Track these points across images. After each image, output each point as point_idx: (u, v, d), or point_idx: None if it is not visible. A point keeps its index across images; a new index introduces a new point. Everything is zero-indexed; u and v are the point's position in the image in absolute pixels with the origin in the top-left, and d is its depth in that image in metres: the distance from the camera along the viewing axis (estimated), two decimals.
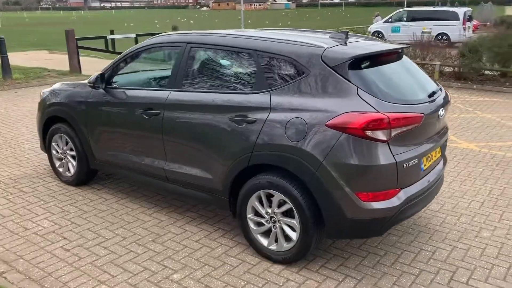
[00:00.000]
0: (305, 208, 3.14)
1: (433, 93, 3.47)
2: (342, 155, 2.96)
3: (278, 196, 3.28)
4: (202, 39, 3.81)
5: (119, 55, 4.36)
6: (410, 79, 3.51)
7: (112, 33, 15.09)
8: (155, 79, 4.33)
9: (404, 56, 3.70)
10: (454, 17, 21.31)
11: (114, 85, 4.33)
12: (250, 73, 3.51)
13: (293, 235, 3.29)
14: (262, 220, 3.44)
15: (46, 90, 5.10)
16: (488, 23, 33.02)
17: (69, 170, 4.91)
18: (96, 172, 4.93)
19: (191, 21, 41.94)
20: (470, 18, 22.07)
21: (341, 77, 3.08)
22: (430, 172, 3.45)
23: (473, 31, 22.35)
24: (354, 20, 35.47)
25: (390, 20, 23.00)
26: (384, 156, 2.96)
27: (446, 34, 21.23)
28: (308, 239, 3.21)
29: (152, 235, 3.86)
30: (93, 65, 13.44)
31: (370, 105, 2.96)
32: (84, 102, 4.48)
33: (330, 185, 3.00)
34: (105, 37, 14.18)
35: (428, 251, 3.63)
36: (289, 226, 3.32)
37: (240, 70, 3.61)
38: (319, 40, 3.39)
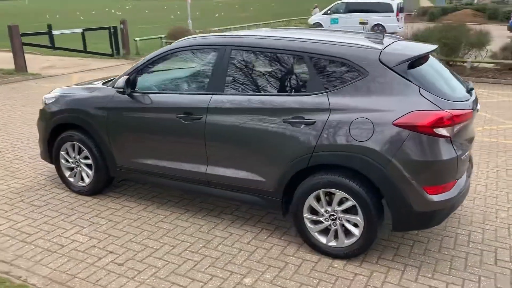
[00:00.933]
0: (370, 205, 3.28)
1: (470, 89, 3.73)
2: (411, 152, 3.13)
3: (340, 195, 3.39)
4: (245, 41, 3.79)
5: (146, 58, 4.19)
6: (447, 77, 3.75)
7: (49, 28, 14.17)
8: (188, 82, 4.21)
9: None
10: (388, 8, 22.48)
11: (141, 89, 4.15)
12: (302, 75, 3.57)
13: (356, 231, 3.42)
14: (321, 218, 3.54)
15: (50, 95, 4.77)
16: (412, 13, 35.22)
17: (82, 179, 4.66)
18: (112, 181, 4.72)
19: (118, 13, 40.03)
20: (401, 9, 23.40)
21: (401, 77, 3.24)
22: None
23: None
24: (286, 12, 36.07)
25: (329, 12, 23.76)
26: (448, 151, 3.17)
27: (382, 25, 22.33)
28: (372, 234, 3.37)
29: (201, 241, 3.81)
30: (36, 63, 12.67)
31: (433, 103, 3.15)
32: (106, 107, 4.26)
33: (399, 181, 3.17)
34: (50, 33, 13.32)
35: (464, 234, 3.94)
36: (350, 222, 3.43)
37: (290, 72, 3.65)
38: (369, 41, 3.51)
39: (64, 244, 3.75)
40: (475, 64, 11.99)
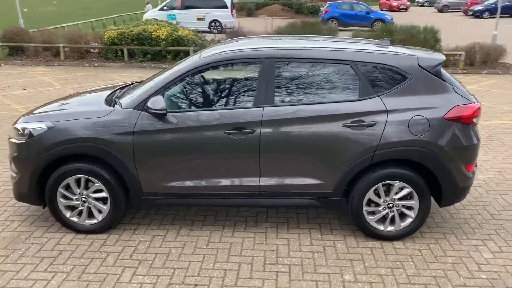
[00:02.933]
0: (424, 189, 3.87)
1: None
2: (459, 139, 3.81)
3: (398, 185, 3.88)
4: (288, 53, 3.91)
5: (173, 73, 3.90)
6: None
7: None
8: (230, 97, 4.04)
9: None
10: (222, 4, 23.50)
11: (172, 108, 3.88)
12: (351, 82, 3.90)
13: (411, 213, 3.97)
14: (379, 208, 3.97)
15: (35, 125, 3.97)
16: None
17: (93, 216, 4.10)
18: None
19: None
20: (234, 5, 24.74)
21: (438, 78, 3.87)
22: None
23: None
24: (118, 8, 34.44)
25: (165, 8, 23.60)
26: (477, 136, 3.95)
27: (218, 21, 23.30)
28: (426, 213, 3.97)
29: (284, 253, 3.82)
30: None
31: (465, 98, 3.87)
32: (130, 132, 3.84)
33: (450, 164, 3.82)
34: None
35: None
36: (406, 207, 3.96)
37: (339, 80, 3.93)
38: (399, 49, 4.05)
39: None
40: None
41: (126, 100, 4.04)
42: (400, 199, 3.94)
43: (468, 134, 3.87)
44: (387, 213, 3.99)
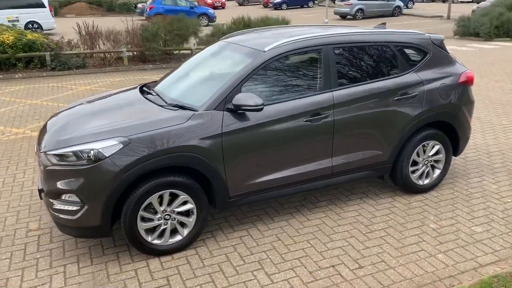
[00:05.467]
0: (449, 144, 4.72)
1: None
2: (468, 98, 4.75)
3: (432, 143, 4.64)
4: (341, 39, 4.21)
5: (243, 69, 3.80)
6: None
7: None
8: (302, 85, 4.04)
9: None
10: (39, 3, 21.03)
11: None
12: (392, 60, 4.45)
13: (439, 166, 4.78)
14: (419, 166, 4.66)
15: (97, 145, 3.36)
16: None
17: (178, 233, 3.74)
18: None
19: None
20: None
21: (446, 52, 4.74)
22: None
23: None
24: None
25: None
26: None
27: (37, 23, 20.87)
28: (449, 164, 4.83)
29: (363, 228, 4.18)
30: None
31: (463, 66, 4.83)
32: (218, 134, 3.63)
33: (464, 120, 4.73)
34: None
35: None
36: (435, 161, 4.76)
37: (383, 59, 4.43)
38: (412, 30, 4.76)
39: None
40: (196, 51, 13.89)
41: (198, 102, 3.76)
42: (433, 155, 4.70)
43: (470, 93, 4.83)
44: (424, 169, 4.70)
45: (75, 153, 3.40)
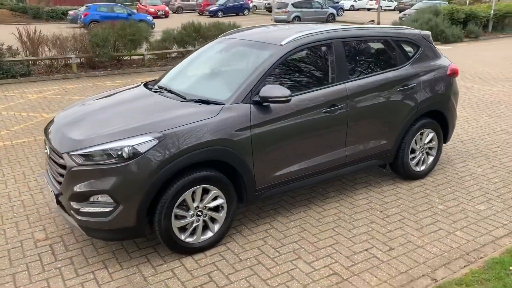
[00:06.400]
0: (440, 131, 5.05)
1: None
2: (455, 88, 5.11)
3: (427, 132, 4.94)
4: (349, 33, 4.37)
5: (264, 63, 3.83)
6: None
7: None
8: (315, 78, 4.11)
9: None
10: None
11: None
12: (391, 54, 4.69)
13: (432, 152, 5.09)
14: (416, 154, 4.94)
15: (131, 142, 3.23)
16: None
17: (209, 230, 3.68)
18: None
19: None
20: None
21: (434, 46, 5.08)
22: None
23: None
24: None
25: None
26: None
27: None
28: (440, 150, 5.16)
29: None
30: None
31: (447, 59, 5.21)
32: (247, 126, 3.63)
33: (453, 108, 5.10)
34: None
35: None
36: (430, 148, 5.07)
37: (385, 53, 4.67)
38: (404, 26, 5.05)
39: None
40: (148, 56, 13.59)
41: (223, 96, 3.73)
42: (427, 143, 5.00)
43: (456, 84, 5.21)
44: (421, 156, 4.99)
45: (105, 152, 3.24)
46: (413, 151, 4.88)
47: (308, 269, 3.42)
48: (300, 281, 3.27)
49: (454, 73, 5.08)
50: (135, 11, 29.42)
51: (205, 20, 16.56)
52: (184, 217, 3.50)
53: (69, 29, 15.37)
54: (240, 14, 37.17)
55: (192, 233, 3.59)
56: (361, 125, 4.35)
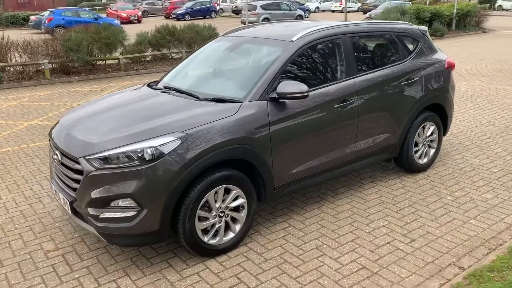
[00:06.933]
0: (440, 123, 5.14)
1: None
2: (452, 81, 5.22)
3: (429, 124, 5.02)
4: (355, 29, 4.39)
5: (278, 59, 3.78)
6: None
7: None
8: (326, 73, 4.07)
9: None
10: None
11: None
12: (395, 48, 4.75)
13: (434, 145, 5.18)
14: (419, 147, 5.01)
15: (153, 142, 3.11)
16: None
17: (230, 230, 3.59)
18: None
19: None
20: None
21: (431, 41, 5.18)
22: None
23: None
24: None
25: None
26: None
27: None
28: (441, 142, 5.26)
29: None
30: None
31: (444, 53, 5.32)
32: (266, 123, 3.57)
33: (451, 101, 5.20)
34: None
35: None
36: (431, 141, 5.15)
37: (389, 47, 4.72)
38: (403, 22, 5.12)
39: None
40: (124, 60, 13.27)
41: (238, 94, 3.66)
42: (429, 135, 5.08)
43: (452, 78, 5.32)
44: (423, 149, 5.07)
45: (125, 154, 3.10)
46: (416, 144, 4.94)
47: (336, 265, 3.39)
48: (330, 277, 3.24)
49: (451, 66, 5.19)
50: (102, 15, 28.70)
51: (175, 24, 16.35)
52: (206, 218, 3.40)
53: (34, 35, 14.81)
54: (207, 17, 36.96)
55: (214, 234, 3.49)
56: (370, 119, 4.37)
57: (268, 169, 3.63)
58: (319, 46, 4.15)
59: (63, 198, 3.43)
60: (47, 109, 8.70)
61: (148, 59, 14.01)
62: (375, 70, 4.44)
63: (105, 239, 3.27)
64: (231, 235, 3.58)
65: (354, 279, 3.22)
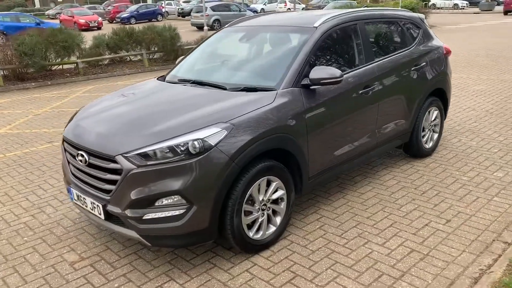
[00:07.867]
0: (442, 107, 5.27)
1: None
2: (449, 67, 5.36)
3: (433, 109, 5.12)
4: (369, 14, 4.38)
5: (306, 46, 3.67)
6: None
7: None
8: (348, 59, 3.99)
9: None
10: None
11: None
12: (404, 33, 4.80)
13: (437, 129, 5.30)
14: (425, 132, 5.09)
15: (199, 134, 2.91)
16: None
17: (271, 224, 3.45)
18: None
19: None
20: None
21: (428, 28, 5.29)
22: None
23: None
24: None
25: None
26: None
27: None
28: (443, 124, 5.39)
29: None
30: None
31: (439, 40, 5.46)
32: (302, 111, 3.46)
33: (449, 84, 5.33)
34: None
35: None
36: (435, 125, 5.26)
37: (398, 33, 4.76)
38: (404, 9, 5.19)
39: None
40: (82, 65, 12.62)
41: (270, 82, 3.52)
42: (433, 120, 5.18)
43: (449, 63, 5.46)
44: (429, 134, 5.16)
45: (169, 148, 2.88)
46: (423, 129, 5.02)
47: (385, 250, 3.33)
48: (385, 262, 3.18)
49: (448, 52, 5.33)
50: (44, 20, 27.21)
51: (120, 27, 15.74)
52: (250, 212, 3.23)
53: None
54: (153, 20, 36.15)
55: (257, 229, 3.32)
56: (388, 105, 4.38)
57: (304, 158, 3.52)
58: (339, 32, 4.09)
59: (92, 203, 3.13)
60: (11, 117, 8.06)
61: (106, 62, 13.41)
62: (388, 55, 4.46)
63: (149, 242, 3.01)
64: (272, 228, 3.43)
65: (409, 262, 3.17)
